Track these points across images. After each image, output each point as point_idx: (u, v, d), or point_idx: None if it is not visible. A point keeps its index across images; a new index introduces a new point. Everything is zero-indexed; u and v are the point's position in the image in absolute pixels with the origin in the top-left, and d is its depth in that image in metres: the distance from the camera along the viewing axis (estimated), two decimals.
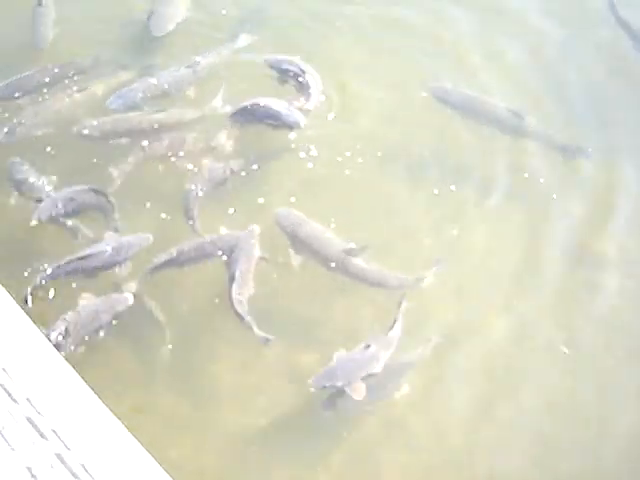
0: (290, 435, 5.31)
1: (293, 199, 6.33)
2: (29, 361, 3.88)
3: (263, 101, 6.60)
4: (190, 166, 6.48)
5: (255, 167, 6.51)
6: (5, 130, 6.45)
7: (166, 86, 6.92)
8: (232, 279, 5.62)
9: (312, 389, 5.18)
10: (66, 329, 5.19)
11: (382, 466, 5.23)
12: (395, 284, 5.82)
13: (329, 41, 7.61)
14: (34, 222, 5.85)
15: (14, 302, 4.66)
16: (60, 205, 5.97)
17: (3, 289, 4.82)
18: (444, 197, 6.55)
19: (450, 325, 5.83)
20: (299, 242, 6.00)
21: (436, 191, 6.58)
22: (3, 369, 3.55)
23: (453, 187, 6.61)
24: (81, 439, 3.46)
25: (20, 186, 6.21)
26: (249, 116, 6.64)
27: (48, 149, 6.54)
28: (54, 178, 6.31)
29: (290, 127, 6.58)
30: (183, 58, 7.15)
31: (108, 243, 5.78)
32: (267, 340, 5.43)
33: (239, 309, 5.50)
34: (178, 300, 5.84)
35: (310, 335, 5.76)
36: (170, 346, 5.56)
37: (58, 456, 3.18)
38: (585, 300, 6.06)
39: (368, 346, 5.27)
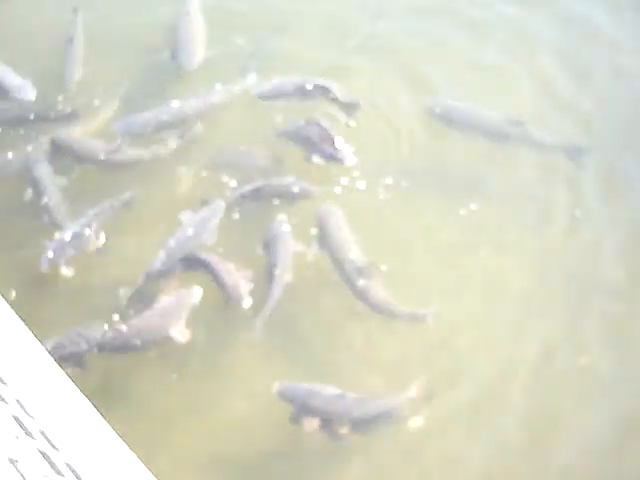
0: (301, 461, 5.32)
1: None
2: (43, 392, 3.88)
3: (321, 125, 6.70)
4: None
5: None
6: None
7: (174, 117, 7.00)
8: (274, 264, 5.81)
9: (273, 391, 5.29)
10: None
11: None
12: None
13: (344, 66, 7.70)
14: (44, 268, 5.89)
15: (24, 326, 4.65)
16: (69, 243, 5.97)
17: (12, 312, 4.81)
18: (469, 218, 6.57)
19: (464, 354, 5.81)
20: (324, 240, 6.15)
21: (462, 212, 6.61)
22: (17, 400, 3.55)
23: (474, 206, 6.62)
24: (95, 473, 3.45)
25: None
26: (297, 135, 6.79)
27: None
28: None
29: (337, 161, 6.66)
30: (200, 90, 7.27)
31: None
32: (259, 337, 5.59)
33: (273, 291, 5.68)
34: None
35: (325, 361, 5.75)
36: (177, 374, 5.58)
37: None
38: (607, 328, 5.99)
39: (343, 395, 5.27)
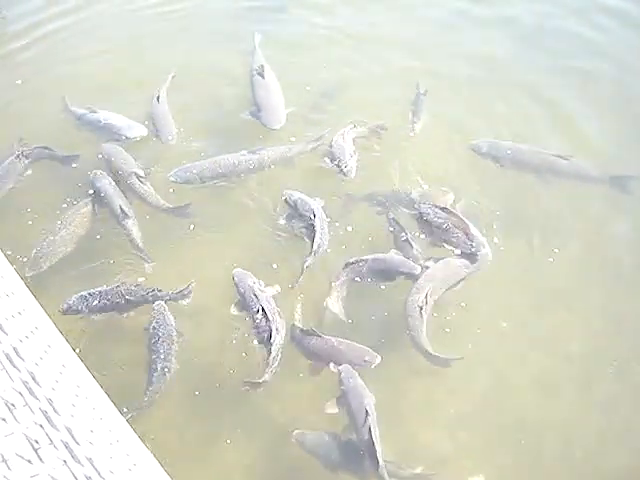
0: None
1: None
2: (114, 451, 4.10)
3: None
4: None
5: None
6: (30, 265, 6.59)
7: (226, 168, 7.28)
8: None
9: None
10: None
11: None
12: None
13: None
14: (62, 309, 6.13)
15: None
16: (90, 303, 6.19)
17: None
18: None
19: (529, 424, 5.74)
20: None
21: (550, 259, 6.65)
22: (88, 459, 3.78)
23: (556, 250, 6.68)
24: None
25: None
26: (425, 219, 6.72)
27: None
28: None
29: (472, 258, 6.47)
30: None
31: None
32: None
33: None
34: None
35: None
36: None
37: None
38: None
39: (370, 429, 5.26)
